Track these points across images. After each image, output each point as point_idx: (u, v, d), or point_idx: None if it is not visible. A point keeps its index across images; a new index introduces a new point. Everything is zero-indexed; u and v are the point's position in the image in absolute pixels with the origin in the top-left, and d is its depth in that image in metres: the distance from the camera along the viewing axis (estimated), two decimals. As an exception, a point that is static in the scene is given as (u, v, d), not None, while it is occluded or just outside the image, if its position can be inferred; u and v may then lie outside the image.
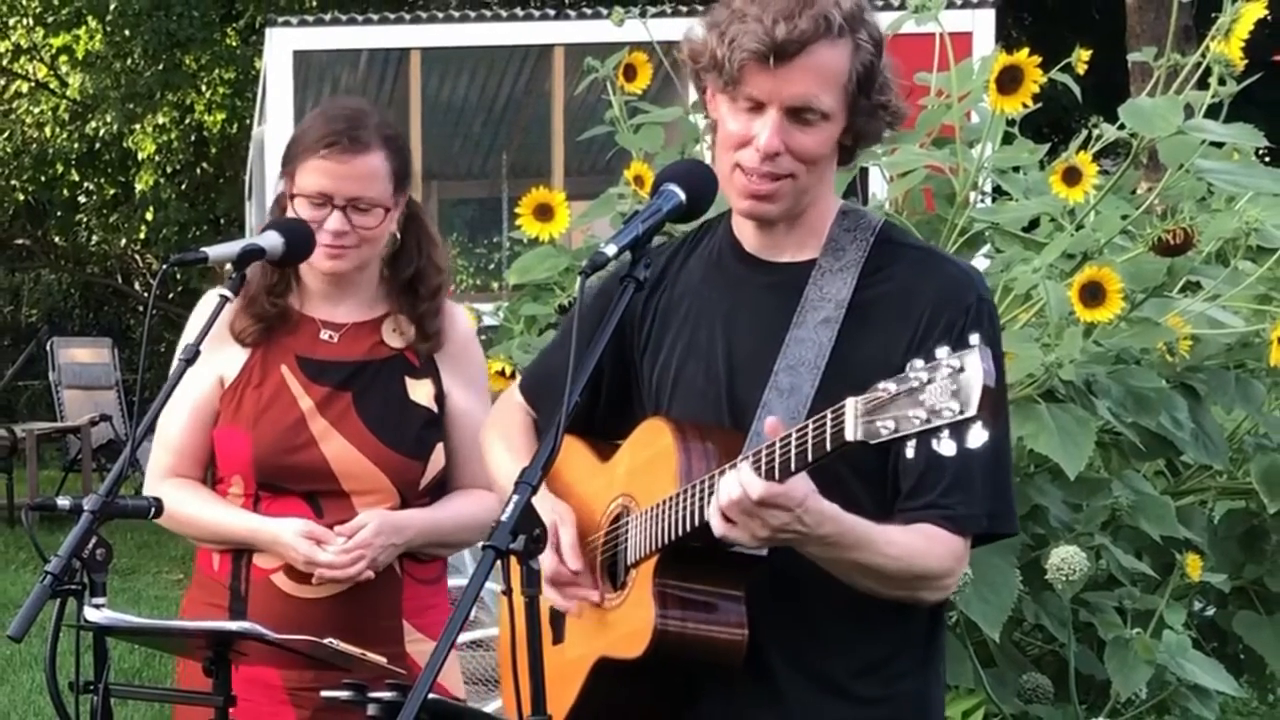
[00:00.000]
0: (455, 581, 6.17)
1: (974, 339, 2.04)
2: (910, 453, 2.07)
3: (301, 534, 3.20)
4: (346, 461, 3.25)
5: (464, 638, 4.91)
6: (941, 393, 2.02)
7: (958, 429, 2.01)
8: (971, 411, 2.00)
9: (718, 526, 2.30)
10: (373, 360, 3.32)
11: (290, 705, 3.22)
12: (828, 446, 2.18)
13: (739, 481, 2.25)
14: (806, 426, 2.21)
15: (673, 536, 2.41)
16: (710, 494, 2.35)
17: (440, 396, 3.34)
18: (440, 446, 3.33)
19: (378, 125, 3.31)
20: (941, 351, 2.04)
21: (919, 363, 2.06)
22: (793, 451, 2.22)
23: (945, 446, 2.03)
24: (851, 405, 2.14)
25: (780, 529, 2.28)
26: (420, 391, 3.33)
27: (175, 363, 3.05)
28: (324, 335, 3.33)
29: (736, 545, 2.38)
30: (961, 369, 2.01)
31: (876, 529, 2.38)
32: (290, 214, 3.26)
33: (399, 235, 3.36)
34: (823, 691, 2.51)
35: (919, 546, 2.41)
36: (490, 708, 3.84)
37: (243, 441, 3.28)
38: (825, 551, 2.36)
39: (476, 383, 3.43)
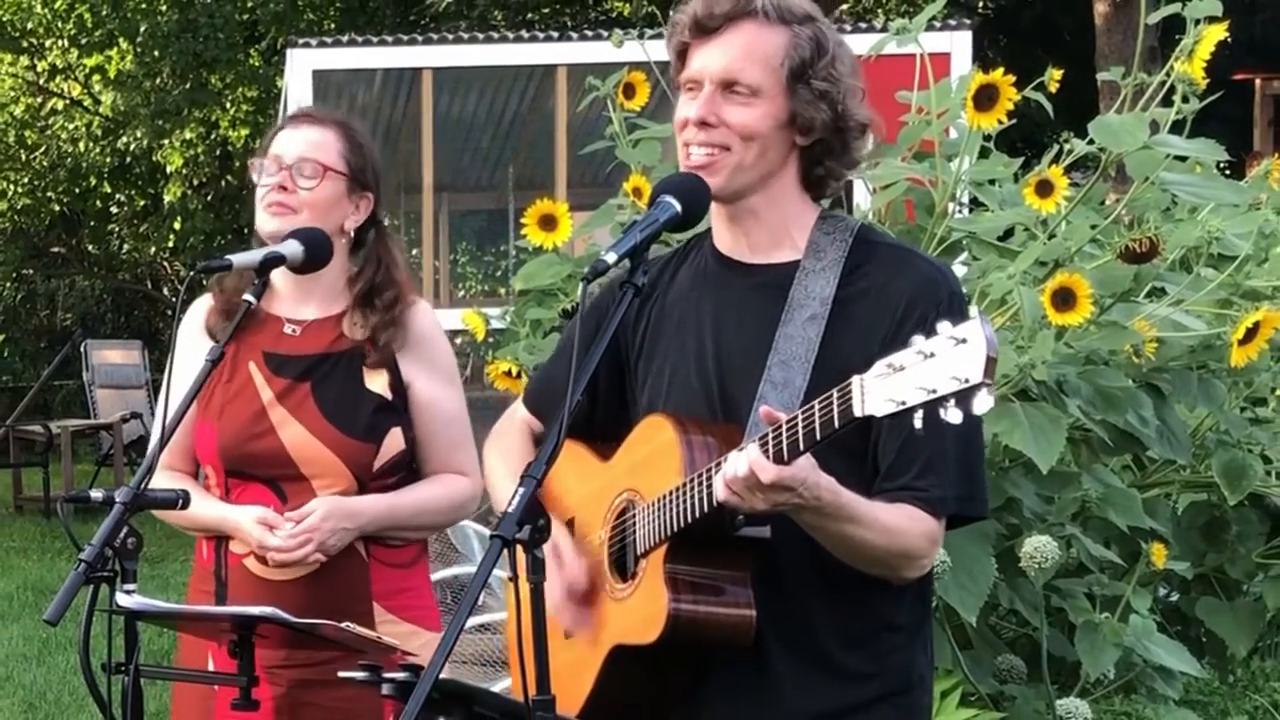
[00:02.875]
0: (464, 569, 6.19)
1: (972, 311, 2.04)
2: (918, 423, 2.05)
3: (256, 520, 3.22)
4: (303, 447, 3.26)
5: (472, 621, 4.91)
6: (947, 364, 2.02)
7: (964, 397, 2.00)
8: (978, 379, 1.99)
9: (720, 493, 2.30)
10: (332, 352, 3.33)
11: (267, 683, 3.20)
12: (836, 424, 2.17)
13: (748, 462, 2.25)
14: (813, 407, 2.20)
15: (682, 524, 2.41)
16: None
17: (398, 386, 3.33)
18: (396, 431, 3.31)
19: (339, 118, 3.34)
20: (943, 325, 2.04)
21: (920, 338, 2.06)
22: (800, 432, 2.22)
23: (952, 415, 2.01)
24: (858, 382, 2.13)
25: (780, 503, 2.28)
26: (375, 380, 3.33)
27: (202, 363, 3.05)
28: (287, 330, 3.34)
29: (741, 529, 2.39)
30: (965, 340, 2.01)
31: (866, 505, 2.37)
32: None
33: (353, 235, 3.34)
34: (815, 668, 2.51)
35: (903, 525, 2.41)
36: (498, 688, 3.84)
37: (211, 432, 3.31)
38: (818, 520, 2.35)
39: (441, 370, 3.40)
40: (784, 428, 2.24)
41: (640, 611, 2.48)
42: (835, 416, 2.17)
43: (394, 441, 3.31)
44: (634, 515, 2.53)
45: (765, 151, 2.52)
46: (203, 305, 3.43)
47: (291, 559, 3.21)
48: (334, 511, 3.23)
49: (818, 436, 2.21)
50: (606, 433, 2.69)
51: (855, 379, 2.14)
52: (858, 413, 2.13)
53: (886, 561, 2.44)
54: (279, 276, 3.30)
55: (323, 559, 3.22)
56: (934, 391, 2.02)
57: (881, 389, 2.09)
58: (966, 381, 2.00)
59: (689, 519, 2.40)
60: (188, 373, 3.11)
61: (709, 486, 2.35)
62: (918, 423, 2.06)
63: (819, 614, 2.51)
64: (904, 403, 2.06)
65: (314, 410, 3.28)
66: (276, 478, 3.28)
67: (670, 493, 2.43)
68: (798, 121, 2.52)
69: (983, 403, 2.00)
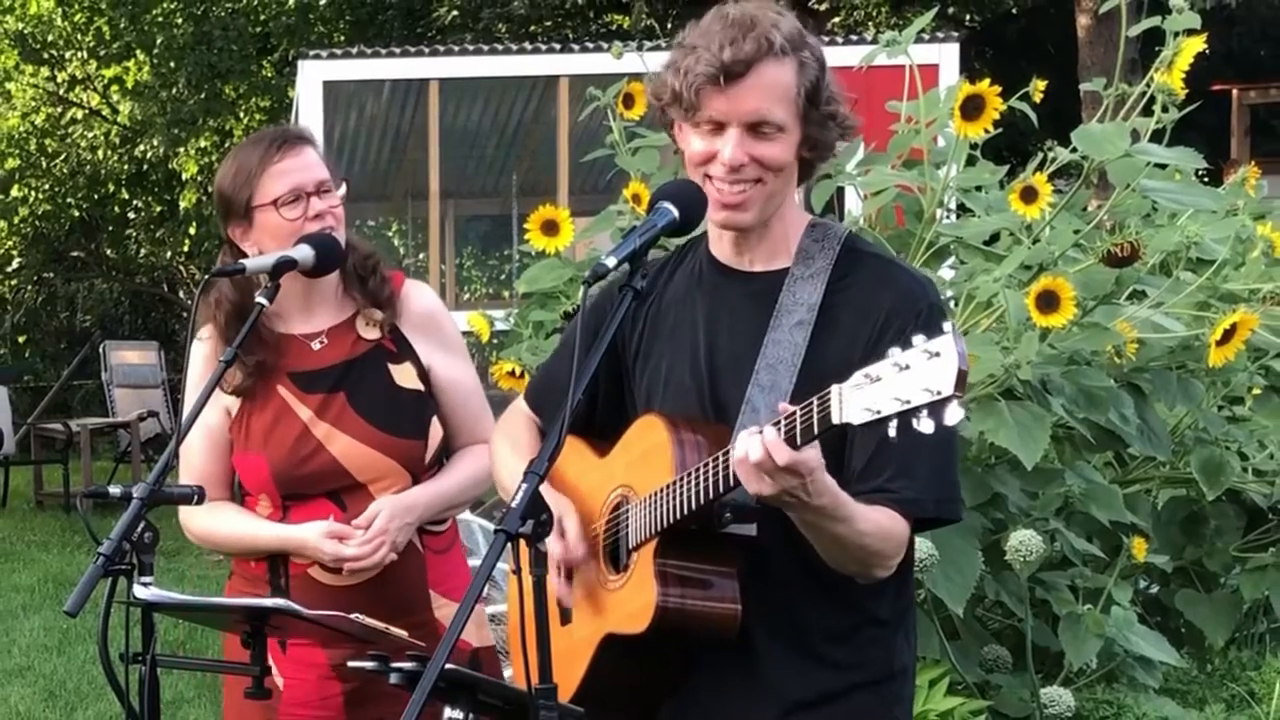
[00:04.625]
0: (469, 563, 6.17)
1: (946, 326, 2.05)
2: (892, 432, 2.07)
3: (325, 535, 3.17)
4: (354, 456, 3.21)
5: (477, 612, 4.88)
6: (920, 376, 2.03)
7: (936, 408, 2.02)
8: (949, 391, 2.00)
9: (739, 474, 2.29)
10: (356, 357, 3.27)
11: (336, 680, 3.20)
12: (815, 430, 2.18)
13: (762, 444, 2.24)
14: (794, 414, 2.22)
15: (672, 520, 2.42)
16: (705, 482, 2.36)
17: (424, 373, 3.30)
18: (436, 421, 3.29)
19: (296, 128, 3.29)
20: (918, 339, 2.05)
21: (896, 349, 2.07)
22: (782, 433, 2.23)
23: (925, 425, 2.03)
24: (836, 391, 2.14)
25: (785, 491, 2.27)
26: (404, 375, 3.28)
27: (215, 361, 3.04)
28: (315, 345, 3.28)
29: (728, 526, 2.40)
30: (938, 354, 2.02)
31: (857, 507, 2.38)
32: (251, 249, 3.19)
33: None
34: (802, 657, 2.52)
35: (885, 526, 2.42)
36: (507, 673, 3.84)
37: (259, 464, 3.24)
38: (814, 518, 2.35)
39: (453, 348, 3.36)
40: (782, 423, 2.24)
41: (631, 603, 2.49)
42: (815, 423, 2.18)
43: (436, 432, 3.29)
44: (627, 510, 2.54)
45: (789, 178, 2.54)
46: (205, 344, 3.30)
47: (370, 564, 3.17)
48: (397, 510, 3.20)
49: (798, 443, 2.22)
50: (606, 429, 2.70)
51: (834, 388, 2.15)
52: (835, 420, 2.14)
53: (863, 561, 2.44)
54: (284, 294, 3.19)
55: (395, 558, 3.21)
56: (908, 402, 2.04)
57: (858, 398, 2.11)
58: (938, 394, 2.02)
59: (678, 515, 2.41)
60: (210, 412, 3.11)
61: (698, 485, 2.36)
62: (891, 431, 2.07)
63: (804, 609, 2.52)
64: (879, 412, 2.08)
65: (356, 418, 3.23)
66: (335, 490, 3.23)
67: (661, 490, 2.45)
68: (809, 142, 2.52)
69: (953, 414, 2.02)
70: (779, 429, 2.24)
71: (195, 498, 2.95)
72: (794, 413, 2.23)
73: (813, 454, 2.24)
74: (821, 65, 2.51)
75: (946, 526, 2.64)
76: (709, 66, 2.44)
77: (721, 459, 2.34)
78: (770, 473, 2.24)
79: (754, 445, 2.24)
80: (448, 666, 2.19)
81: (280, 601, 2.87)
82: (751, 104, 2.46)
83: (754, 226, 2.54)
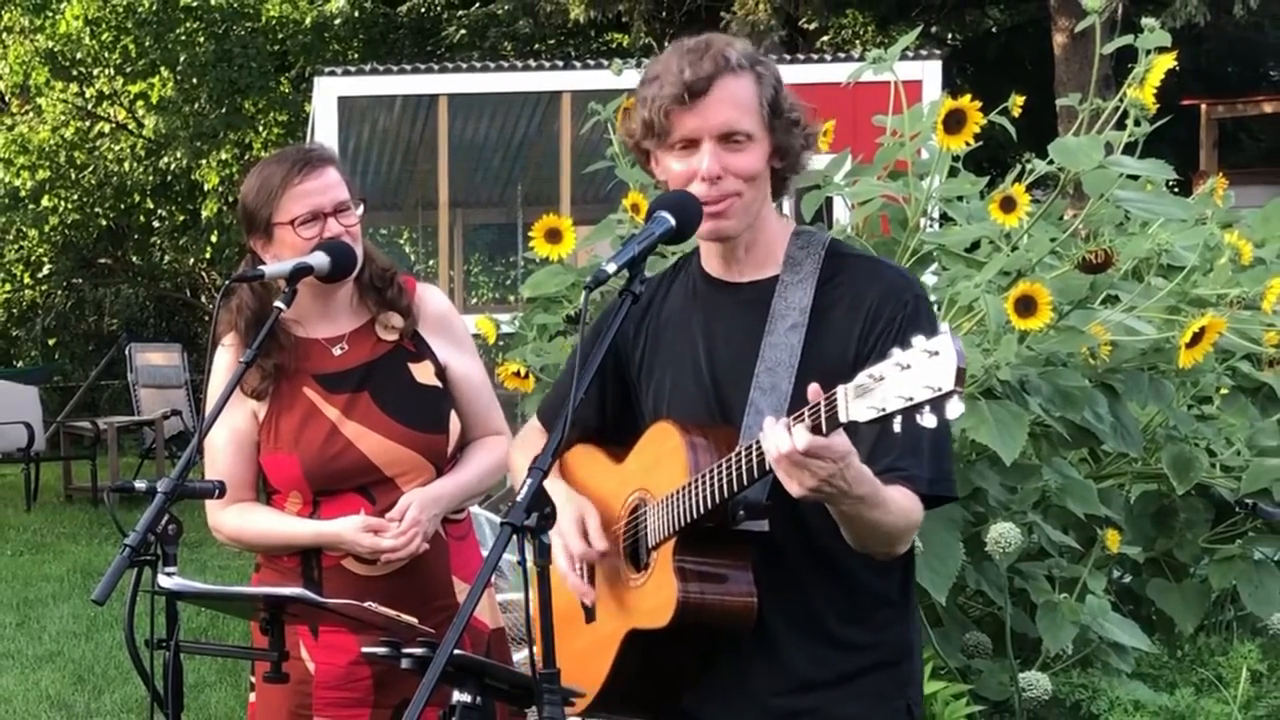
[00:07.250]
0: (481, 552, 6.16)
1: (942, 327, 2.05)
2: (897, 428, 2.07)
3: (361, 529, 3.17)
4: (383, 452, 3.22)
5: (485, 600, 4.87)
6: (921, 374, 2.03)
7: (938, 403, 2.02)
8: (950, 386, 2.01)
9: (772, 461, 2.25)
10: (377, 358, 3.28)
11: (366, 665, 3.21)
12: (824, 430, 2.18)
13: (789, 435, 2.21)
14: (803, 413, 2.21)
15: (689, 519, 2.42)
16: (718, 482, 2.36)
17: (440, 370, 3.31)
18: (454, 415, 3.30)
19: (319, 149, 3.28)
20: (918, 339, 2.05)
21: (898, 350, 2.07)
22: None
23: (927, 420, 2.03)
24: (843, 392, 2.13)
25: (825, 480, 2.24)
26: (424, 373, 3.29)
27: (236, 365, 3.04)
28: (336, 351, 3.28)
29: (742, 523, 2.40)
30: (937, 352, 2.02)
31: (886, 490, 2.36)
32: (271, 260, 3.17)
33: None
34: (819, 642, 2.52)
35: (907, 507, 2.41)
36: (515, 657, 3.84)
37: (290, 463, 3.24)
38: (853, 508, 2.32)
39: (464, 345, 3.39)
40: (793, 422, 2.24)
41: (652, 599, 2.50)
42: (823, 422, 2.17)
43: (456, 425, 3.30)
44: (645, 512, 2.55)
45: (761, 185, 2.54)
46: (228, 351, 3.28)
47: (406, 554, 3.18)
48: (426, 502, 3.21)
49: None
50: (617, 437, 2.71)
51: (840, 388, 2.14)
52: (843, 419, 2.13)
53: (889, 541, 2.43)
54: (303, 301, 3.20)
55: (427, 547, 3.22)
56: (911, 399, 2.04)
57: (864, 398, 2.10)
58: (939, 390, 2.02)
59: (695, 515, 2.41)
60: (236, 416, 3.16)
61: (712, 486, 2.37)
62: (896, 427, 2.07)
63: (817, 595, 2.52)
64: (884, 409, 2.08)
65: (381, 416, 3.23)
66: (365, 485, 3.23)
67: (677, 491, 2.45)
68: (779, 151, 2.53)
69: (954, 408, 2.01)
70: (804, 420, 2.22)
71: (217, 491, 2.95)
72: (802, 413, 2.22)
73: (840, 439, 2.21)
74: (778, 79, 2.53)
75: (939, 506, 2.61)
76: (673, 88, 2.47)
77: (733, 460, 2.34)
78: (800, 462, 2.21)
79: (781, 437, 2.21)
80: (455, 652, 2.19)
81: (297, 590, 2.87)
82: (720, 116, 2.47)
83: (739, 234, 2.54)
